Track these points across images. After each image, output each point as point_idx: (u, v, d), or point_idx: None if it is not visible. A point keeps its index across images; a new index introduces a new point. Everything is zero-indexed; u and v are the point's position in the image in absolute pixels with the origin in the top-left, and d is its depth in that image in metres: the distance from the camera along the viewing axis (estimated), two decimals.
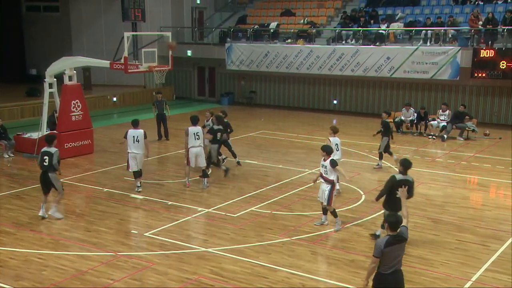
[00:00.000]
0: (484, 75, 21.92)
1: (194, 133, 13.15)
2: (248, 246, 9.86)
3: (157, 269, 8.87)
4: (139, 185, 13.14)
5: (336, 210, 10.76)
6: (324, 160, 10.59)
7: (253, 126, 22.88)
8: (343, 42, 25.62)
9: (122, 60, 16.00)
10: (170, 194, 13.12)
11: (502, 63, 21.30)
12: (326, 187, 10.52)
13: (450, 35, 23.29)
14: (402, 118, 21.54)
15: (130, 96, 28.13)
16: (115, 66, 16.25)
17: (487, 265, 8.98)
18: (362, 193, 13.18)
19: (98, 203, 12.36)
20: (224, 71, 29.46)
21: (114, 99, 27.05)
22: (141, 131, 12.82)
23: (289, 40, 27.11)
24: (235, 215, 11.52)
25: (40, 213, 11.26)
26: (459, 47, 22.33)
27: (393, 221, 6.54)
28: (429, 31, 23.54)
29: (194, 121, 13.35)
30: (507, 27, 21.91)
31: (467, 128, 20.02)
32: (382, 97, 25.87)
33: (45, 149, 11.18)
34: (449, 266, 8.99)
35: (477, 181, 14.59)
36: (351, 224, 11.03)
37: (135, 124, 12.93)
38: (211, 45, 29.36)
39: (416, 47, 23.31)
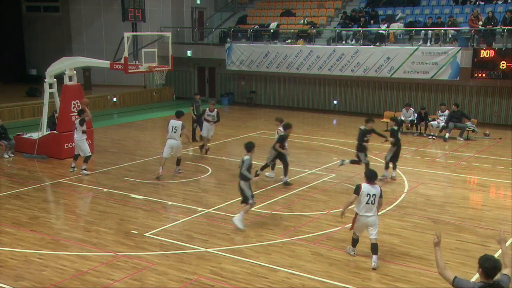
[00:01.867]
0: (484, 75, 21.93)
1: (172, 126, 14.16)
2: (248, 246, 9.87)
3: (157, 269, 8.88)
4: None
5: (337, 210, 10.73)
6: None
7: (253, 126, 22.89)
8: (343, 42, 25.62)
9: (122, 60, 16.00)
10: (171, 194, 13.12)
11: (502, 63, 21.32)
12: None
13: (450, 35, 23.30)
14: (402, 118, 21.51)
15: (130, 96, 28.13)
16: (115, 66, 16.24)
17: None
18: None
19: (98, 203, 12.36)
20: (224, 72, 29.48)
21: (114, 99, 27.05)
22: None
23: (289, 40, 27.12)
24: (235, 216, 11.50)
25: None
26: (459, 48, 22.34)
27: (489, 267, 5.49)
28: (429, 31, 23.56)
29: (178, 114, 14.37)
30: (507, 27, 21.92)
31: (467, 129, 20.03)
32: (382, 97, 25.88)
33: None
34: (449, 267, 8.96)
35: (477, 181, 14.59)
36: (348, 225, 11.01)
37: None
38: (211, 45, 29.38)
39: (416, 47, 23.32)
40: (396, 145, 14.26)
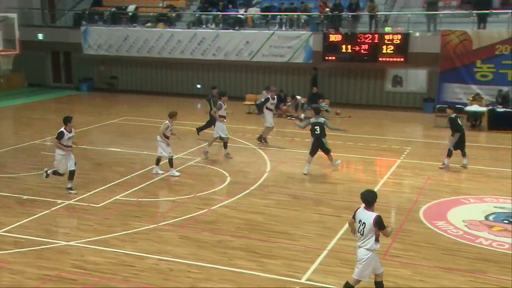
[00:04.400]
0: (333, 58, 23.49)
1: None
2: (113, 236, 9.59)
3: (12, 269, 8.26)
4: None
5: (203, 193, 10.84)
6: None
7: (115, 112, 22.13)
8: (204, 26, 25.73)
9: None
10: (26, 187, 12.23)
11: (348, 46, 22.99)
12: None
13: (303, 20, 24.55)
14: (262, 100, 22.29)
15: None
16: None
17: (340, 234, 9.74)
18: (227, 175, 13.47)
19: None
20: (81, 56, 27.95)
21: None
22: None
23: (149, 24, 26.54)
24: (99, 205, 11.12)
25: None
26: (311, 32, 23.66)
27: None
28: (283, 16, 24.59)
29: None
30: (352, 13, 23.63)
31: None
32: (243, 80, 26.50)
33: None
34: (309, 238, 9.59)
35: (332, 158, 15.64)
36: (217, 205, 11.24)
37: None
38: (65, 28, 27.65)
39: (272, 31, 24.22)
40: (459, 132, 13.84)
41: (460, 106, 18.40)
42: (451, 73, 21.60)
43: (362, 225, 7.02)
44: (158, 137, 13.40)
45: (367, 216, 6.99)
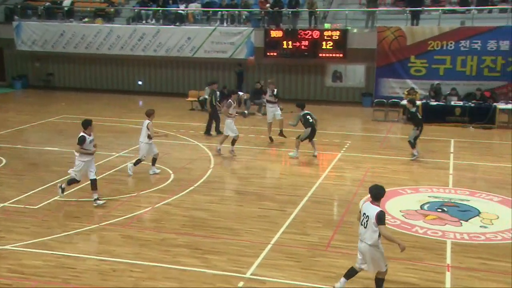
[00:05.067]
0: (275, 54, 23.73)
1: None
2: (52, 238, 9.29)
3: None
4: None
5: (146, 191, 10.69)
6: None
7: (53, 111, 21.41)
8: (144, 22, 25.32)
9: None
10: None
11: (289, 42, 23.28)
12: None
13: (244, 17, 24.63)
14: (206, 96, 22.20)
15: None
16: None
17: (283, 228, 9.89)
18: (171, 172, 13.35)
19: None
20: (14, 52, 26.82)
21: None
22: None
23: (86, 19, 25.80)
24: (36, 207, 10.74)
25: None
26: (252, 28, 23.79)
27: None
28: (224, 12, 24.57)
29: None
30: (292, 10, 23.92)
31: (263, 104, 21.50)
32: (186, 76, 26.30)
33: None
34: (253, 233, 9.67)
35: (275, 153, 15.83)
36: (161, 203, 11.12)
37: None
38: None
39: (214, 27, 24.16)
40: (421, 125, 14.38)
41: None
42: (387, 68, 22.33)
43: (366, 218, 7.08)
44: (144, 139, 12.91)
45: (372, 210, 7.05)
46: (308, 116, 14.68)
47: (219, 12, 24.76)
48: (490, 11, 22.78)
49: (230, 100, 15.15)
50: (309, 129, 14.66)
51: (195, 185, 12.36)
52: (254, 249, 8.96)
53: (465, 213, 10.65)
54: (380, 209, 7.07)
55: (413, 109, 14.66)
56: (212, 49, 24.15)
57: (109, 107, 22.60)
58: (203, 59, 24.92)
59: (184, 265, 8.34)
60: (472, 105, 19.32)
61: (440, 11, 22.23)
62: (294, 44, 23.19)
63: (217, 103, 17.52)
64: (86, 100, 24.34)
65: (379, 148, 16.24)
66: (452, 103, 19.70)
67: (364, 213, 7.12)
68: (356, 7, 24.50)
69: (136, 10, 25.61)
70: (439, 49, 21.41)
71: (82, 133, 10.83)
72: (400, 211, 10.78)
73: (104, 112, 21.25)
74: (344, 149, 15.94)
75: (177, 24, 24.59)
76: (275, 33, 23.41)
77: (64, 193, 11.06)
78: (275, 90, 16.83)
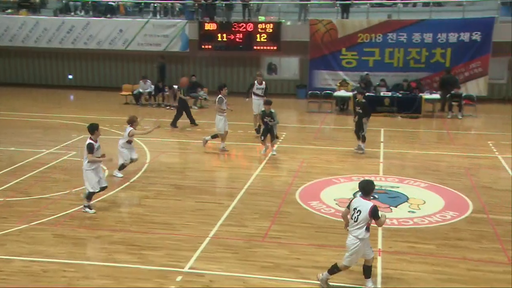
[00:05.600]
0: (210, 47, 23.63)
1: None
2: None
3: None
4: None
5: (80, 188, 10.37)
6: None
7: None
8: (72, 13, 24.49)
9: None
10: None
11: (224, 35, 23.27)
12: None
13: (177, 9, 24.36)
14: (141, 90, 21.89)
15: None
16: None
17: (221, 221, 9.94)
18: (105, 168, 13.03)
19: None
20: None
21: None
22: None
23: (9, 10, 24.60)
24: None
25: None
26: (186, 20, 23.56)
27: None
28: (157, 4, 24.19)
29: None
30: (226, 2, 23.90)
31: (199, 97, 21.44)
32: (119, 70, 25.71)
33: None
34: (190, 227, 9.64)
35: (211, 146, 15.80)
36: (95, 200, 10.84)
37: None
38: None
39: (146, 20, 23.73)
40: (369, 116, 14.33)
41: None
42: (320, 61, 22.80)
43: (357, 213, 7.09)
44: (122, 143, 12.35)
45: (363, 204, 7.09)
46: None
47: (152, 4, 24.34)
48: (414, 4, 23.80)
49: (221, 96, 14.72)
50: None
51: (131, 181, 12.16)
52: (191, 243, 8.95)
53: (395, 199, 11.13)
54: (373, 204, 7.13)
55: (363, 100, 14.42)
56: (146, 42, 23.71)
57: (37, 102, 21.74)
58: (137, 52, 24.42)
59: (119, 262, 8.21)
60: (400, 95, 20.13)
61: (368, 4, 22.94)
62: (228, 36, 23.19)
63: (188, 96, 17.67)
64: (12, 95, 23.27)
65: (314, 139, 16.60)
66: (382, 93, 20.46)
67: (355, 208, 7.14)
68: (289, 0, 24.80)
69: (63, 1, 24.67)
70: (368, 42, 22.11)
71: (89, 140, 10.07)
72: (334, 199, 11.09)
73: (32, 108, 20.42)
74: (279, 140, 16.16)
75: (108, 16, 23.94)
76: (210, 26, 23.30)
77: (91, 210, 10.19)
78: (264, 83, 16.80)
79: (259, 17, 23.78)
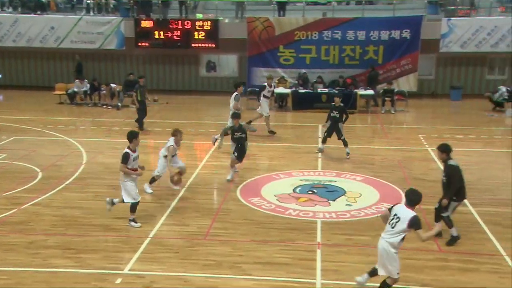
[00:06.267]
0: (147, 44, 23.25)
1: None
2: None
3: None
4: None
5: (11, 192, 9.95)
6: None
7: None
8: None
9: None
10: None
11: (161, 33, 22.96)
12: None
13: (112, 5, 23.79)
14: (75, 89, 21.25)
15: None
16: None
17: (162, 220, 9.82)
18: (38, 170, 12.57)
19: None
20: None
21: None
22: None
23: None
24: None
25: None
26: (121, 18, 23.06)
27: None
28: (90, 1, 23.55)
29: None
30: None
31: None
32: (52, 68, 24.83)
33: None
34: (130, 228, 9.42)
35: (153, 145, 15.55)
36: (28, 204, 10.45)
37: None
38: None
39: (79, 16, 23.02)
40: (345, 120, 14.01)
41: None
42: (258, 58, 22.95)
43: (396, 219, 6.82)
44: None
45: (405, 213, 6.80)
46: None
47: (84, 0, 23.64)
48: (348, 3, 24.43)
49: (237, 94, 14.68)
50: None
51: (66, 183, 11.79)
52: (131, 244, 8.79)
53: (333, 193, 11.40)
54: (414, 213, 6.81)
55: (342, 104, 14.02)
56: (80, 40, 23.01)
57: None
58: (70, 49, 23.64)
59: (55, 267, 7.95)
60: (336, 91, 20.59)
61: (304, 2, 23.32)
62: (166, 34, 22.90)
63: (145, 97, 17.04)
64: None
65: (255, 135, 16.71)
66: (319, 90, 20.86)
67: (395, 214, 6.87)
68: None
69: None
70: (304, 39, 22.48)
71: (126, 149, 9.37)
72: (275, 195, 11.22)
73: None
74: (220, 138, 16.14)
75: (38, 12, 23.03)
76: (146, 23, 22.92)
77: (136, 223, 9.51)
78: (273, 85, 17.17)
79: (197, 14, 23.64)
